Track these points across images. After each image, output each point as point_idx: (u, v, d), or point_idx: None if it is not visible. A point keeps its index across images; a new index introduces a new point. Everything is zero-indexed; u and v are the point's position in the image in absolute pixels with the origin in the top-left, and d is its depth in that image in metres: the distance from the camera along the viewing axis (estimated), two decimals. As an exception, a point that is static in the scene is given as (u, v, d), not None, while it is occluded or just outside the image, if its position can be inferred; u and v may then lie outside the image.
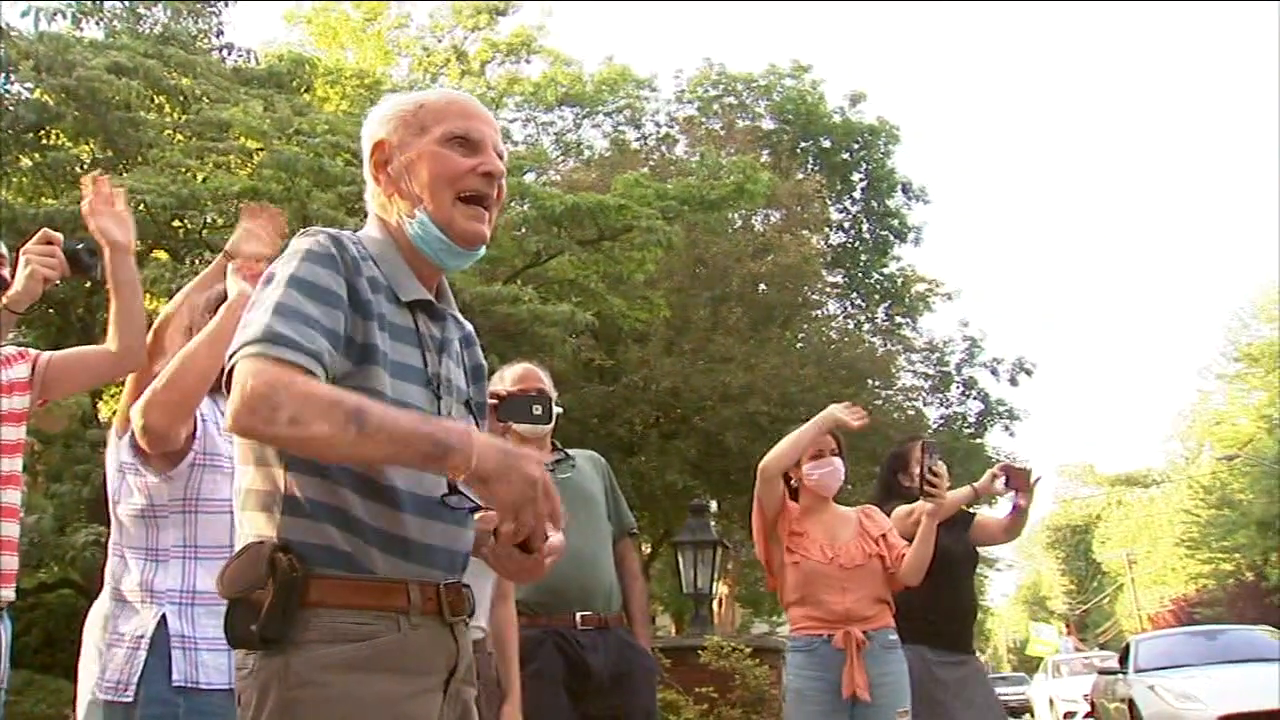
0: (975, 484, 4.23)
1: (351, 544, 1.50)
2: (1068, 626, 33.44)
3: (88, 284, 10.37)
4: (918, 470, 3.93)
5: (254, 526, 1.53)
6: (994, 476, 4.23)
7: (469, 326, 1.82)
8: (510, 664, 2.87)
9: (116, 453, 2.42)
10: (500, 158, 1.71)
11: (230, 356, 1.48)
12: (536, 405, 2.99)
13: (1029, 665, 33.89)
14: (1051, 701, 18.31)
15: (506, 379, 3.36)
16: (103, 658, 2.34)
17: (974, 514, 4.51)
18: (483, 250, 1.71)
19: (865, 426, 3.76)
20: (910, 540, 3.81)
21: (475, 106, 1.74)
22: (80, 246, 2.53)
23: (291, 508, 1.51)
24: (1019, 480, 4.22)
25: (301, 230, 1.64)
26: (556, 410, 3.27)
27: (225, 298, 2.39)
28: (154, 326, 2.69)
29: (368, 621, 1.48)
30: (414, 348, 1.63)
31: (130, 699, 2.24)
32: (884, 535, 3.82)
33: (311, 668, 1.44)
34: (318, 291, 1.52)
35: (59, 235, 2.50)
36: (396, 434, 1.41)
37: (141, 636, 2.28)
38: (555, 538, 1.59)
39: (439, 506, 1.58)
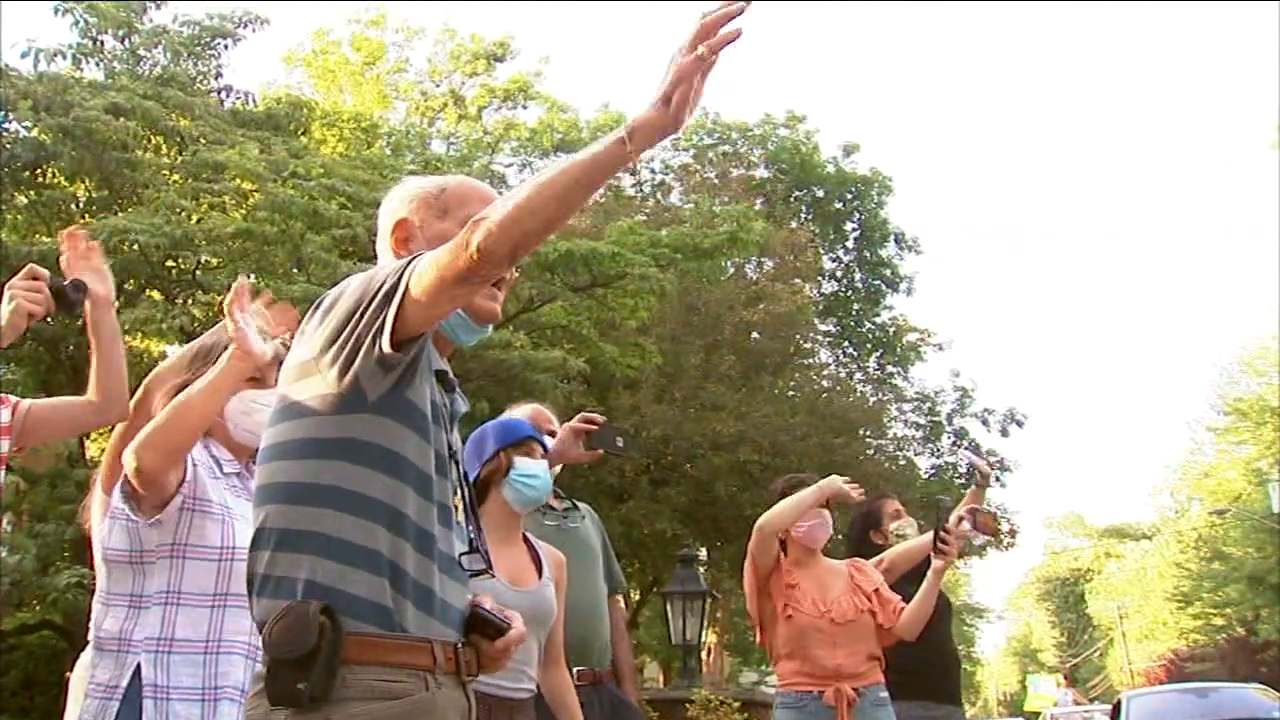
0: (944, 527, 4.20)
1: (394, 599, 1.54)
2: (1066, 678, 33.03)
3: (79, 322, 10.35)
4: (916, 525, 3.92)
5: (294, 569, 1.54)
6: (959, 519, 4.21)
7: (467, 404, 1.88)
8: None
9: (101, 501, 2.40)
10: None
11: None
12: (620, 436, 3.16)
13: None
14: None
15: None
16: (79, 707, 2.30)
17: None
18: (491, 328, 1.80)
19: (859, 490, 3.76)
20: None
21: (493, 194, 1.83)
22: (67, 284, 2.52)
23: (343, 554, 1.53)
24: (985, 523, 4.21)
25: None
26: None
27: (222, 348, 2.40)
28: (144, 385, 2.69)
29: (400, 679, 1.52)
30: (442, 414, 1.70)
31: None
32: (876, 590, 3.80)
33: None
34: None
35: (45, 271, 2.50)
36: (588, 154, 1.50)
37: (115, 686, 2.24)
38: (516, 629, 1.69)
39: (456, 565, 1.66)
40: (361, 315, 1.55)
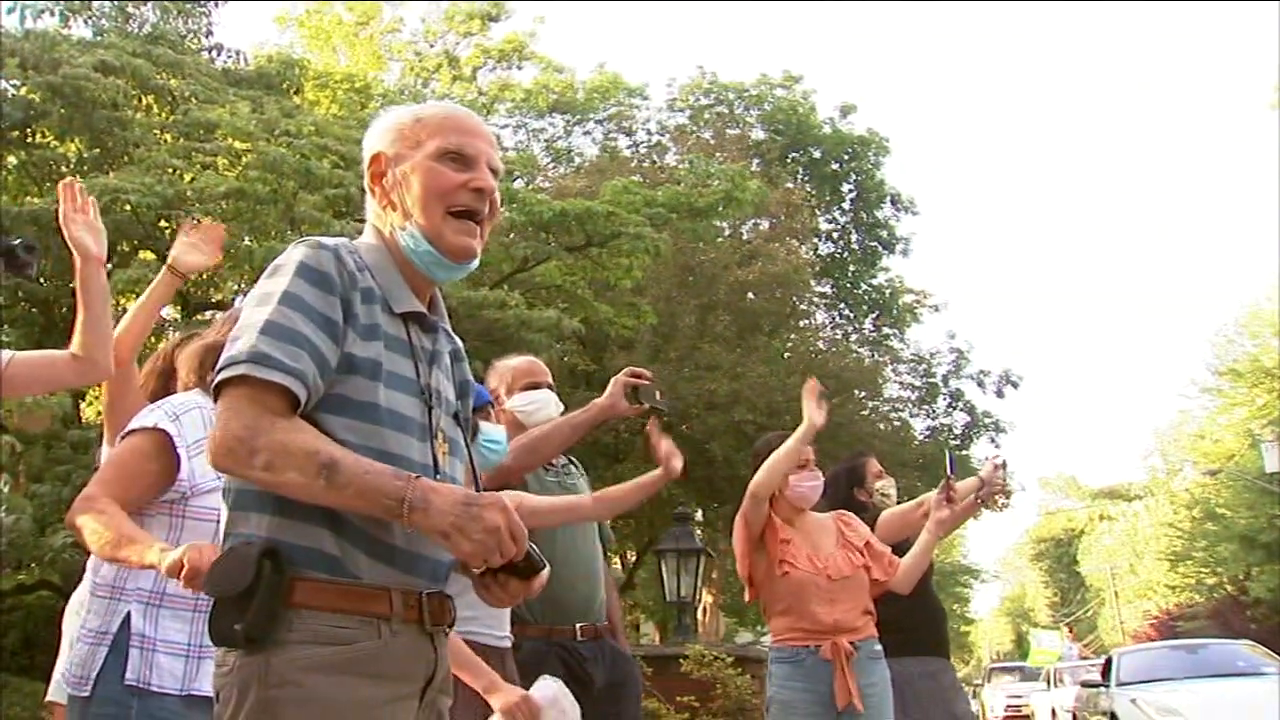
0: (981, 474, 4.23)
1: (340, 547, 1.53)
2: (1071, 631, 32.87)
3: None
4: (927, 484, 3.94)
5: (243, 525, 1.56)
6: (995, 469, 4.25)
7: (459, 341, 1.85)
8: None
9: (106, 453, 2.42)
10: (495, 174, 1.73)
11: (218, 371, 1.53)
12: (658, 391, 3.22)
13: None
14: (1054, 712, 17.95)
15: (511, 371, 3.47)
16: (72, 650, 2.33)
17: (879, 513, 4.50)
18: (474, 264, 1.74)
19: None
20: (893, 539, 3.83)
21: (472, 122, 1.76)
22: (17, 243, 2.47)
23: (282, 509, 1.53)
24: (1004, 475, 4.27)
25: (298, 240, 1.66)
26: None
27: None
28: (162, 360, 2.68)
29: (349, 626, 1.50)
30: (406, 358, 1.66)
31: (87, 694, 2.23)
32: (867, 544, 3.81)
33: (291, 668, 1.46)
34: (309, 310, 1.55)
35: None
36: (364, 488, 1.46)
37: (105, 632, 2.27)
38: (544, 574, 1.66)
39: None
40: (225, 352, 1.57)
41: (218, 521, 2.27)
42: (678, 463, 2.94)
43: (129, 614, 2.26)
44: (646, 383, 3.15)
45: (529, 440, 3.19)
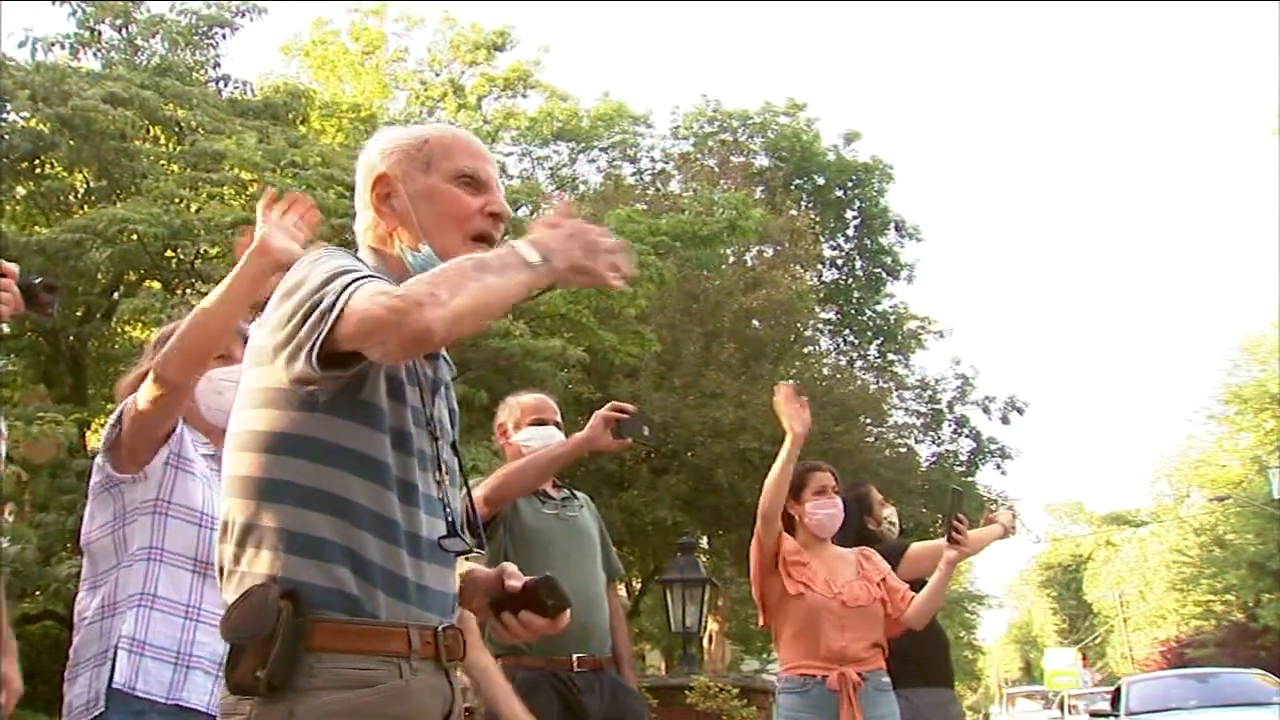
0: (1001, 521, 4.30)
1: (360, 587, 1.49)
2: (1084, 657, 32.41)
3: (79, 313, 10.35)
4: (941, 516, 3.96)
5: (260, 565, 1.50)
6: (1012, 515, 4.32)
7: (453, 369, 1.80)
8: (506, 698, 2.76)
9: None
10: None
11: (320, 326, 1.44)
12: (646, 425, 3.15)
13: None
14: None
15: (519, 407, 3.45)
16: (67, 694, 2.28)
17: (907, 544, 4.51)
18: None
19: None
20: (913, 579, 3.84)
21: (480, 145, 1.75)
22: (38, 282, 2.35)
23: (303, 547, 1.48)
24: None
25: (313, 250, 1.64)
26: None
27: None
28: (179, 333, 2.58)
29: (371, 667, 1.46)
30: (413, 387, 1.62)
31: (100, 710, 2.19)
32: (884, 579, 3.78)
33: (316, 715, 1.42)
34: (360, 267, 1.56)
35: (14, 267, 2.32)
36: (503, 264, 1.48)
37: (104, 651, 2.22)
38: (567, 614, 1.65)
39: (434, 548, 1.59)
40: (305, 319, 1.46)
41: (199, 525, 2.26)
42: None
43: (121, 625, 2.22)
44: (628, 417, 3.04)
45: (504, 472, 3.14)
